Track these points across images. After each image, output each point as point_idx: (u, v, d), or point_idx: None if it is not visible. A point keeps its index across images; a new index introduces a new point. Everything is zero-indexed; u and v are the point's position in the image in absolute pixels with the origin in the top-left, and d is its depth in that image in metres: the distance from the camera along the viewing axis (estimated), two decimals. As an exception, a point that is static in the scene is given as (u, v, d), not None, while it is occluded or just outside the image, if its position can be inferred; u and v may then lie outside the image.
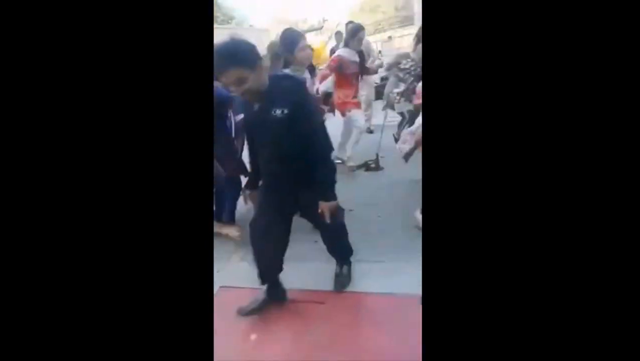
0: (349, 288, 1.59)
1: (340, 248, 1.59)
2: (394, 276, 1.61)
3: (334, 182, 1.29)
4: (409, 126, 2.20)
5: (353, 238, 1.59)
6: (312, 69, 2.44)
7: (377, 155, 3.02)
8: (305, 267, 1.75)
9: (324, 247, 1.60)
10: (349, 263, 1.65)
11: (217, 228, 2.07)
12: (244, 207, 2.03)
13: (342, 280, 1.60)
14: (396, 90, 2.55)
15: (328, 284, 1.60)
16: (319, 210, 1.27)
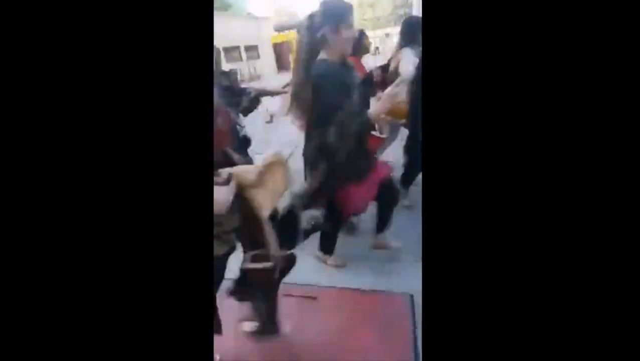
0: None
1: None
2: (387, 275, 1.61)
3: None
4: None
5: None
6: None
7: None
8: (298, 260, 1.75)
9: (315, 242, 1.57)
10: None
11: None
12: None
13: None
14: None
15: (320, 279, 1.63)
16: None
